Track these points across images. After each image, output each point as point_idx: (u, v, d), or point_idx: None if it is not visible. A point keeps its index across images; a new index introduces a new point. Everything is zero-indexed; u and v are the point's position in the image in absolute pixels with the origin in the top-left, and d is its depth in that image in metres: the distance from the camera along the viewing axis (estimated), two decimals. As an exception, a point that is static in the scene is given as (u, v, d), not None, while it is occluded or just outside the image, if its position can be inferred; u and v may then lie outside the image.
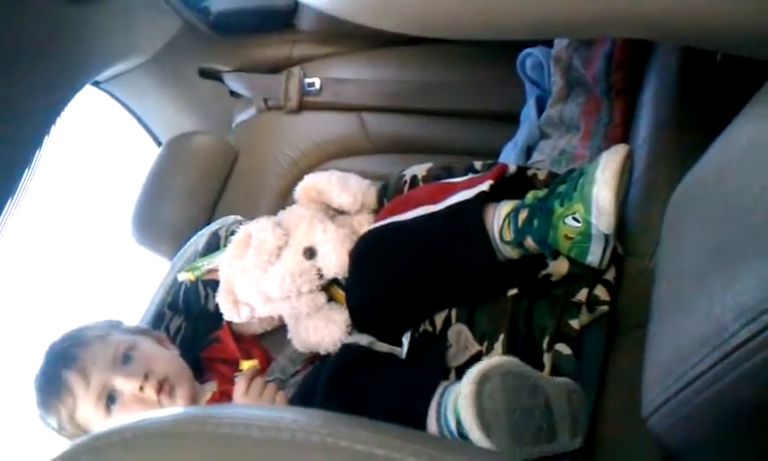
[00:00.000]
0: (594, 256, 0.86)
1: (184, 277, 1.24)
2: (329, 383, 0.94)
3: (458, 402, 0.77)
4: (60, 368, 1.05)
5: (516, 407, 0.77)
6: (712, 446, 0.54)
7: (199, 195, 1.58)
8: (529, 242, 0.89)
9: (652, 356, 0.62)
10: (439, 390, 0.86)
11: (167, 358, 1.10)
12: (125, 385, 1.03)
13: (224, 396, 1.10)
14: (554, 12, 0.61)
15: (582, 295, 0.90)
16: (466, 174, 1.09)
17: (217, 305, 1.16)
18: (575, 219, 0.84)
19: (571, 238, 0.86)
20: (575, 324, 0.89)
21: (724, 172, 0.56)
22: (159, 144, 1.80)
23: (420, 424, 0.84)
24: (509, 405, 0.76)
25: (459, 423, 0.78)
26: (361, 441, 0.42)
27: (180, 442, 0.45)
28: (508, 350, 0.90)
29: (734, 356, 0.46)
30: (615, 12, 0.61)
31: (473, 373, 0.77)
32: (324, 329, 1.05)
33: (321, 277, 1.06)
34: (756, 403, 0.46)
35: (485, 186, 0.93)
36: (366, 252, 1.03)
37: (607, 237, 0.84)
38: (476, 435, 0.74)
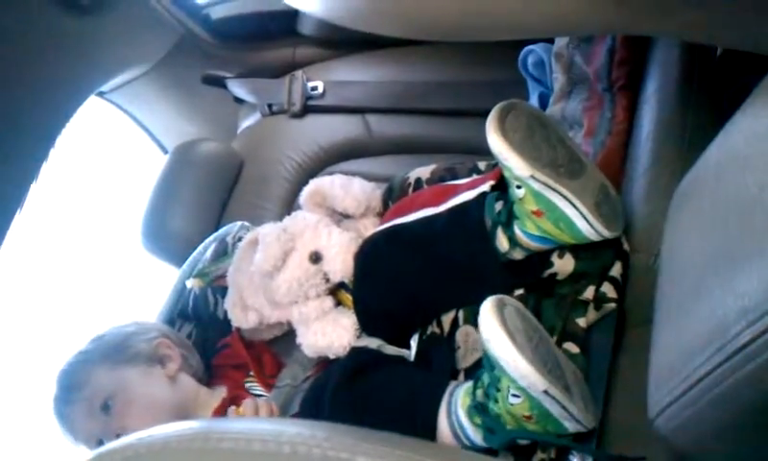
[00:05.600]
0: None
1: (193, 283, 1.24)
2: (338, 386, 0.94)
3: (479, 323, 0.77)
4: (55, 419, 1.11)
5: (533, 337, 0.78)
6: (719, 446, 0.54)
7: (206, 202, 1.59)
8: (529, 243, 0.89)
9: (657, 357, 0.61)
10: (449, 389, 0.86)
11: (146, 406, 1.07)
12: (105, 436, 1.06)
13: (234, 401, 1.11)
14: (549, 13, 0.60)
15: (589, 293, 0.89)
16: (469, 175, 1.09)
17: (226, 312, 1.17)
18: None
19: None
20: (582, 322, 0.88)
21: (722, 170, 0.56)
22: (166, 152, 1.81)
23: (430, 424, 0.85)
24: (527, 329, 0.78)
25: (470, 413, 0.80)
26: (362, 452, 0.42)
27: (183, 457, 0.45)
28: (516, 349, 0.90)
29: (738, 357, 0.46)
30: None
31: (490, 298, 0.79)
32: (332, 334, 1.05)
33: (327, 281, 1.06)
34: (761, 404, 0.46)
35: (486, 187, 0.94)
36: (370, 255, 1.03)
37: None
38: (501, 342, 0.74)
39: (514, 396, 0.77)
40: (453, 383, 0.88)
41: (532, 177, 0.83)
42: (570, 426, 0.78)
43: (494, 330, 0.75)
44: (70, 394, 1.08)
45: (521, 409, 0.78)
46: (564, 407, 0.76)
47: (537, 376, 0.73)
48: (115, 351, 1.12)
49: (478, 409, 0.81)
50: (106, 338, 1.15)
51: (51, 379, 1.11)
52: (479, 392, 0.82)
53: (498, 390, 0.78)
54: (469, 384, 0.85)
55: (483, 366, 0.83)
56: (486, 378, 0.81)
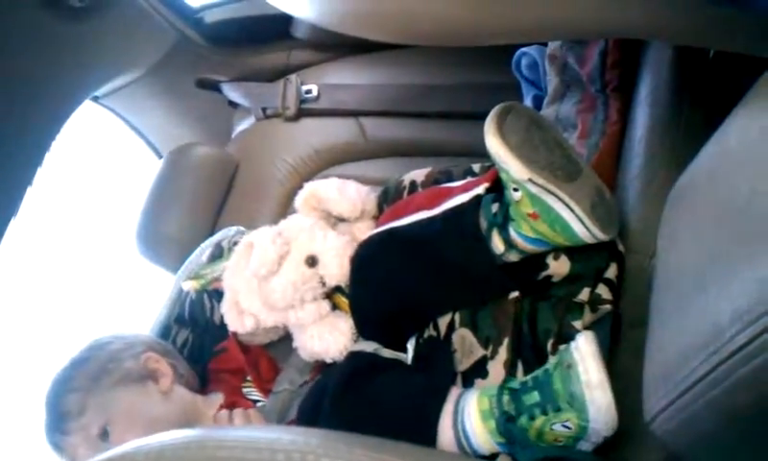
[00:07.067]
0: (578, 225, 0.85)
1: (190, 285, 1.24)
2: (338, 391, 0.94)
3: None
4: (51, 449, 1.08)
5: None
6: (715, 449, 0.54)
7: (201, 207, 1.58)
8: (525, 245, 0.89)
9: (652, 360, 0.61)
10: (452, 396, 0.87)
11: (146, 427, 1.03)
12: None
13: (230, 407, 1.10)
14: (540, 18, 0.61)
15: (584, 295, 0.90)
16: (464, 177, 1.10)
17: (222, 317, 1.17)
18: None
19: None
20: (578, 325, 0.88)
21: (715, 174, 0.56)
22: (160, 156, 1.81)
23: (431, 428, 0.85)
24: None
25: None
26: (356, 459, 0.42)
27: (179, 466, 0.45)
28: (512, 352, 0.90)
29: (732, 361, 0.46)
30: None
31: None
32: (329, 338, 1.05)
33: (323, 285, 1.06)
34: (756, 407, 0.46)
35: (480, 190, 0.94)
36: (365, 259, 1.03)
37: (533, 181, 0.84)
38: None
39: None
40: (456, 391, 0.88)
41: (530, 180, 0.84)
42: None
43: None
44: (65, 424, 1.05)
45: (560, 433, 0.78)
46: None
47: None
48: (104, 372, 1.08)
49: (503, 417, 0.81)
50: (90, 360, 1.10)
51: (39, 407, 1.08)
52: (506, 399, 0.82)
53: (546, 413, 0.78)
54: (489, 388, 0.85)
55: (536, 388, 0.81)
56: (534, 397, 0.80)
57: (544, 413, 0.79)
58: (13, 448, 1.64)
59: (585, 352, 0.77)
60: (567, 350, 0.80)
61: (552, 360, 0.83)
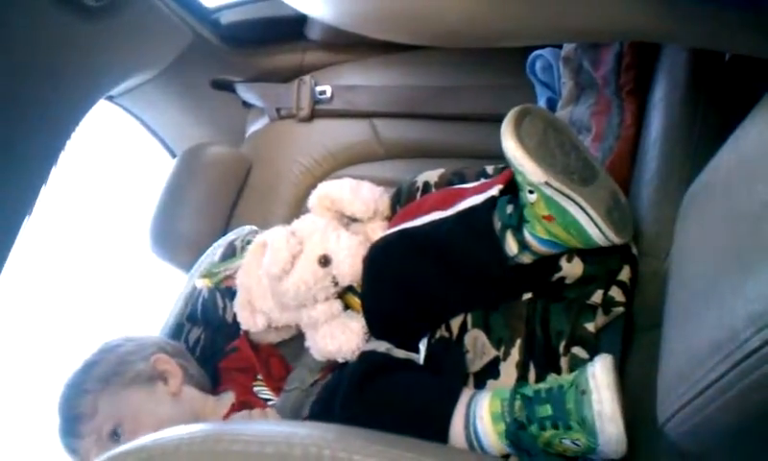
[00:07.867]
0: (593, 229, 0.85)
1: (202, 283, 1.24)
2: (350, 390, 0.94)
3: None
4: (65, 452, 1.09)
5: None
6: (728, 452, 0.54)
7: (214, 206, 1.59)
8: (538, 247, 0.89)
9: (666, 363, 0.61)
10: (464, 398, 0.87)
11: (156, 428, 1.05)
12: None
13: (242, 406, 1.11)
14: (562, 20, 0.61)
15: (597, 297, 0.90)
16: (477, 179, 1.09)
17: (235, 316, 1.17)
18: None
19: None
20: (591, 327, 0.88)
21: (732, 177, 0.56)
22: (174, 156, 1.82)
23: (443, 428, 0.85)
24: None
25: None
26: (373, 454, 0.42)
27: (195, 459, 0.45)
28: (525, 354, 0.90)
29: (747, 364, 0.46)
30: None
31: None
32: (341, 337, 1.05)
33: (336, 284, 1.06)
34: (770, 410, 0.46)
35: (494, 191, 0.94)
36: (378, 259, 1.03)
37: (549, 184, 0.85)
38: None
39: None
40: (468, 392, 0.88)
41: (546, 183, 0.84)
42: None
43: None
44: (77, 427, 1.06)
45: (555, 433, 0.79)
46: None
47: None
48: (114, 374, 1.09)
49: (514, 425, 0.81)
50: (101, 362, 1.11)
51: (53, 410, 1.09)
52: (518, 404, 0.82)
53: (556, 428, 0.79)
54: (501, 390, 0.86)
55: (549, 401, 0.81)
56: (546, 410, 0.80)
57: (555, 427, 0.79)
58: (26, 449, 1.65)
59: (600, 382, 0.77)
60: (583, 373, 0.80)
61: (567, 377, 0.83)
